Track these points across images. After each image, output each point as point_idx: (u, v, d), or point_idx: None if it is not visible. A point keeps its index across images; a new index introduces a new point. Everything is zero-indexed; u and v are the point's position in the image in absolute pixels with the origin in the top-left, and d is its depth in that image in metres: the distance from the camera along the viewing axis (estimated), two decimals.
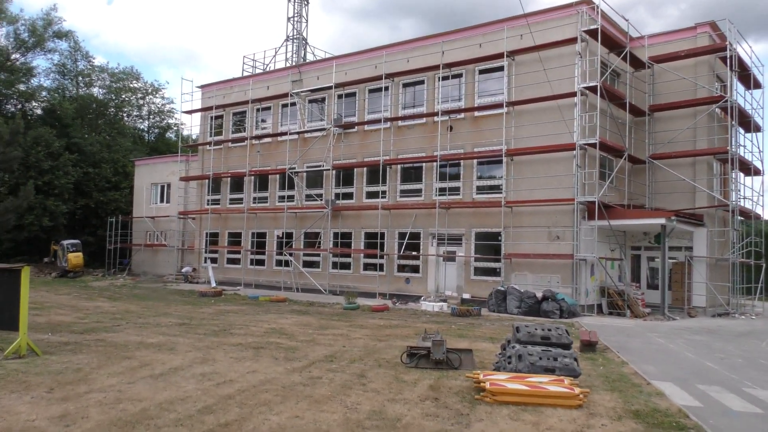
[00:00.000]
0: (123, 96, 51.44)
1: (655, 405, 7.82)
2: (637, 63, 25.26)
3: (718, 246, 25.73)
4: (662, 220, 21.85)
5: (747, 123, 27.06)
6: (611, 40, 23.29)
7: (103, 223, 44.06)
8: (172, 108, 55.51)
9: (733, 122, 25.06)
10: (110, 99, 50.50)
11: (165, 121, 56.12)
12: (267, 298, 25.19)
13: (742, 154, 26.83)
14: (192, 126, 36.70)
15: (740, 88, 27.35)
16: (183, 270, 35.95)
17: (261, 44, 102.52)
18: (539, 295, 21.45)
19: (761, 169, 27.85)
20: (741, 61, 25.41)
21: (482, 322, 18.78)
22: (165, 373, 9.12)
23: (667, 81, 25.78)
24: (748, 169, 27.22)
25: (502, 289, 22.56)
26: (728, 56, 24.02)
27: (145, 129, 55.26)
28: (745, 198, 27.80)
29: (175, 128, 56.81)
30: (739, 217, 27.11)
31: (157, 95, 53.70)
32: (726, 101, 23.90)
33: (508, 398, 7.35)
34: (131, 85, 51.44)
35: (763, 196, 25.23)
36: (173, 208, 40.92)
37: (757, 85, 27.71)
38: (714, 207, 24.80)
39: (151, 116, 54.80)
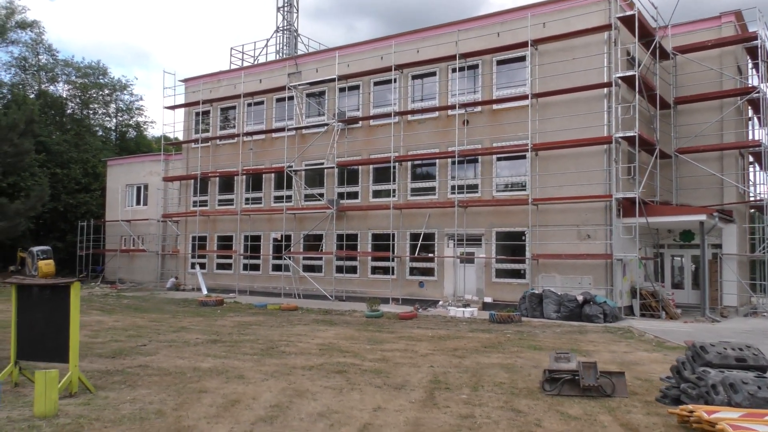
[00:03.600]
0: (90, 92, 48.21)
1: None
2: (661, 53, 24.26)
3: (746, 243, 25.00)
4: (703, 217, 20.82)
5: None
6: (644, 28, 22.17)
7: (73, 227, 41.10)
8: (142, 105, 52.52)
9: (761, 115, 24.27)
10: (76, 95, 47.22)
11: (134, 119, 53.02)
12: (276, 307, 23.21)
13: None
14: (175, 122, 34.15)
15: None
16: (167, 285, 33.44)
17: (215, 44, 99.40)
18: (580, 298, 20.13)
19: None
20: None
21: (533, 330, 17.31)
22: (274, 415, 7.27)
23: (690, 72, 24.91)
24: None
25: (537, 292, 21.17)
26: (759, 45, 23.21)
27: (113, 127, 52.04)
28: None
29: (146, 126, 53.83)
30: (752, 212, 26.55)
31: (125, 92, 50.64)
32: (758, 92, 23.09)
33: None
34: (98, 81, 48.22)
35: None
36: (152, 211, 38.35)
37: None
38: (745, 203, 24.02)
39: (119, 114, 51.63)
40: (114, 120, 51.80)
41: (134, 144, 51.76)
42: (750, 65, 25.82)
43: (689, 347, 8.11)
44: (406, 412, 7.50)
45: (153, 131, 53.03)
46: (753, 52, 24.59)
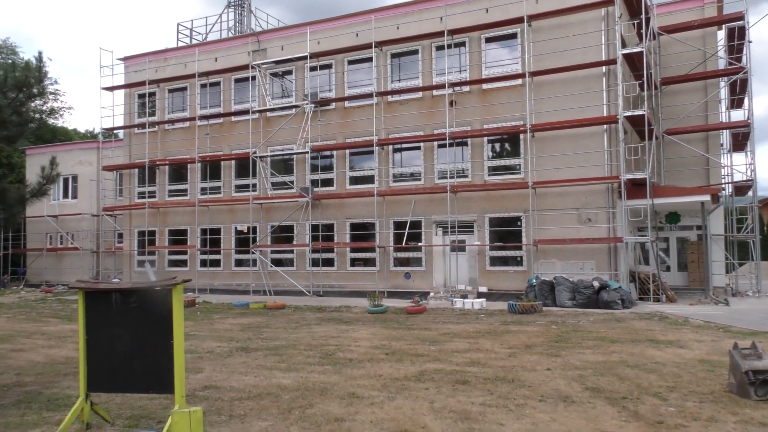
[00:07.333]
0: None
1: None
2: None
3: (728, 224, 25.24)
4: (706, 197, 20.55)
5: (740, 99, 26.76)
6: (640, 5, 21.60)
7: None
8: (58, 90, 47.53)
9: (744, 96, 24.48)
10: None
11: (48, 105, 47.98)
12: (261, 305, 20.98)
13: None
14: (114, 105, 30.59)
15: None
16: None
17: (107, 31, 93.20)
18: (596, 284, 19.31)
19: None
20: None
21: (564, 320, 16.24)
22: None
23: (673, 53, 24.77)
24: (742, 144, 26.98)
25: (547, 279, 20.20)
26: (746, 25, 23.26)
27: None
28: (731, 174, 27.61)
29: (62, 112, 48.92)
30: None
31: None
32: (745, 72, 23.18)
33: None
34: (8, 61, 43.12)
35: (756, 171, 24.56)
36: (83, 205, 34.69)
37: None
38: (732, 183, 24.17)
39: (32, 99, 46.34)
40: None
41: (50, 132, 46.87)
42: (725, 47, 26.02)
43: None
44: None
45: (71, 118, 48.22)
46: (731, 33, 24.73)
